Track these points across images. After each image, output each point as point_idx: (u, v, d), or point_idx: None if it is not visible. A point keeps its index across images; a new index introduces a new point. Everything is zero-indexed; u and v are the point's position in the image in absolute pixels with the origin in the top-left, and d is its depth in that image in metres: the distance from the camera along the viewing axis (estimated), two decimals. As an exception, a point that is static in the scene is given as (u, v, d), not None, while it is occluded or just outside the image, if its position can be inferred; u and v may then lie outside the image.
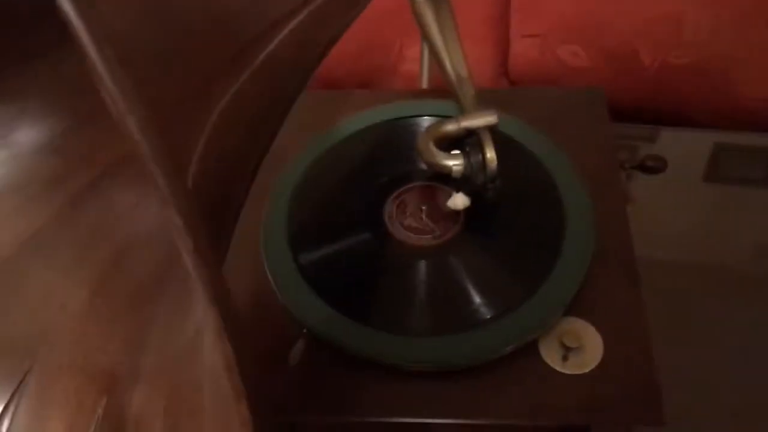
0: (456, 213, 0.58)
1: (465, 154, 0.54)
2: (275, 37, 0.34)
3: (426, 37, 0.60)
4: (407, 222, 0.58)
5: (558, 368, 0.50)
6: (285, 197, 0.60)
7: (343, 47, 1.06)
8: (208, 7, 0.27)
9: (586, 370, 0.50)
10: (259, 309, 0.55)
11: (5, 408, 0.35)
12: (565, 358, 0.51)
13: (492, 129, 0.58)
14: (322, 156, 0.63)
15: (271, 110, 0.34)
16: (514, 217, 0.58)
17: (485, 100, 0.65)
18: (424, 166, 0.59)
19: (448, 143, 0.57)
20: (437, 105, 0.65)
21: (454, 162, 0.55)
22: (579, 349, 0.51)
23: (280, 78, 0.35)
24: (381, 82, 1.08)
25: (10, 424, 0.34)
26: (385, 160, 0.63)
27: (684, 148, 0.84)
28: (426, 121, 0.65)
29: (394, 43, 1.06)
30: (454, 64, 0.60)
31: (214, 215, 0.28)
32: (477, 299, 0.53)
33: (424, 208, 0.58)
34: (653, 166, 0.69)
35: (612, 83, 1.00)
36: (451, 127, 0.58)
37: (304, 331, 0.52)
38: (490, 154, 0.53)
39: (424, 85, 0.81)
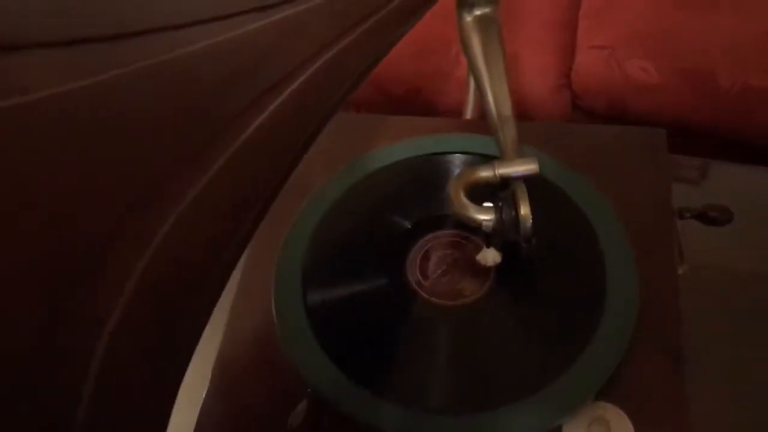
0: (486, 269, 0.52)
1: (497, 209, 0.49)
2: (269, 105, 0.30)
3: (470, 66, 0.55)
4: (431, 276, 0.53)
5: (582, 461, 0.45)
6: (304, 235, 0.56)
7: (396, 48, 1.01)
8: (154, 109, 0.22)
9: (613, 467, 0.44)
10: (263, 358, 0.51)
11: None
12: (590, 450, 0.45)
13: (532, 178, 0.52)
14: (346, 193, 0.58)
15: (250, 200, 0.29)
16: (549, 281, 0.52)
17: (535, 134, 0.60)
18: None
19: (482, 191, 0.51)
20: (479, 141, 0.59)
21: (484, 216, 0.49)
22: (607, 441, 0.45)
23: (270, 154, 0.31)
24: (433, 87, 1.02)
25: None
26: (414, 201, 0.57)
27: (759, 190, 0.75)
28: (462, 159, 0.59)
29: (451, 46, 1.00)
30: (497, 101, 0.55)
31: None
32: (499, 376, 0.48)
33: (450, 260, 0.53)
34: (716, 218, 0.62)
35: (682, 105, 0.92)
36: (485, 173, 0.52)
37: (309, 390, 0.49)
38: (525, 210, 0.47)
39: (468, 115, 0.75)
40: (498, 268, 0.52)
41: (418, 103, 1.05)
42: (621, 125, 0.61)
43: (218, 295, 0.29)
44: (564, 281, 0.52)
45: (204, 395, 0.50)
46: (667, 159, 0.58)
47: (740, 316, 0.63)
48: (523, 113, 1.00)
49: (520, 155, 0.53)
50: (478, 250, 0.53)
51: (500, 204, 0.49)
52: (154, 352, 0.24)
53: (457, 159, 0.59)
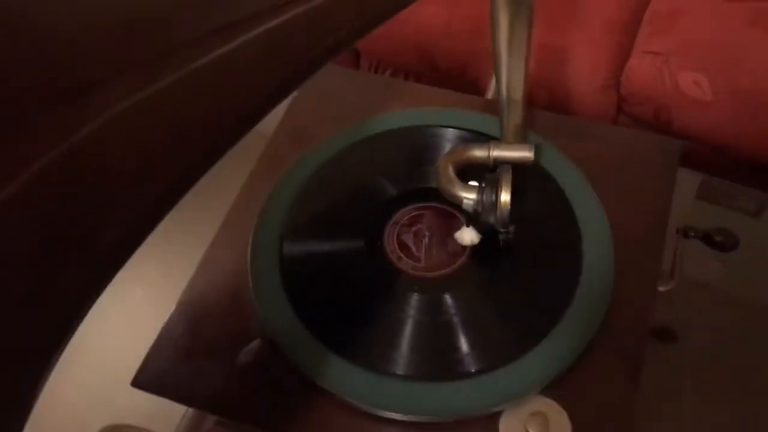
0: (463, 247, 0.52)
1: (480, 190, 0.48)
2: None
3: (492, 42, 0.54)
4: (407, 245, 0.53)
5: (512, 451, 0.45)
6: (292, 186, 0.56)
7: (451, 23, 1.00)
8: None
9: (538, 466, 0.44)
10: (230, 294, 0.52)
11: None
12: (523, 443, 0.45)
13: (526, 166, 0.52)
14: (342, 152, 0.58)
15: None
16: (522, 270, 0.52)
17: (551, 125, 0.59)
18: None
19: (478, 171, 0.51)
20: (490, 122, 0.59)
21: (466, 194, 0.49)
22: (542, 438, 0.45)
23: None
24: (480, 67, 1.01)
25: None
26: (407, 170, 0.57)
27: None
28: (465, 136, 0.58)
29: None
30: (510, 83, 0.54)
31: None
32: (452, 351, 0.48)
33: (430, 233, 0.53)
34: (721, 242, 0.60)
35: (732, 126, 0.89)
36: (480, 153, 0.52)
37: (265, 335, 0.50)
38: (505, 197, 0.47)
39: (490, 95, 0.74)
40: (474, 248, 0.52)
41: (463, 80, 1.04)
42: (639, 130, 0.59)
43: (124, 249, 0.29)
44: (536, 273, 0.51)
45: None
46: (674, 170, 0.56)
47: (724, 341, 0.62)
48: (565, 108, 0.98)
49: (520, 141, 0.52)
50: (460, 227, 0.52)
51: (483, 185, 0.48)
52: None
53: (461, 135, 0.58)
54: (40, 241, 0.24)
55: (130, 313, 0.67)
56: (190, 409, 0.58)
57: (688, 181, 0.74)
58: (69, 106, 0.24)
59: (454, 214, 0.54)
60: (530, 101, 1.01)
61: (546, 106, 0.98)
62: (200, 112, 0.31)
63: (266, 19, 0.32)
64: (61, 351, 0.28)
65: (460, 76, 1.04)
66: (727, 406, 0.60)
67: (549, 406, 0.46)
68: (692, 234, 0.60)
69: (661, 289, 0.54)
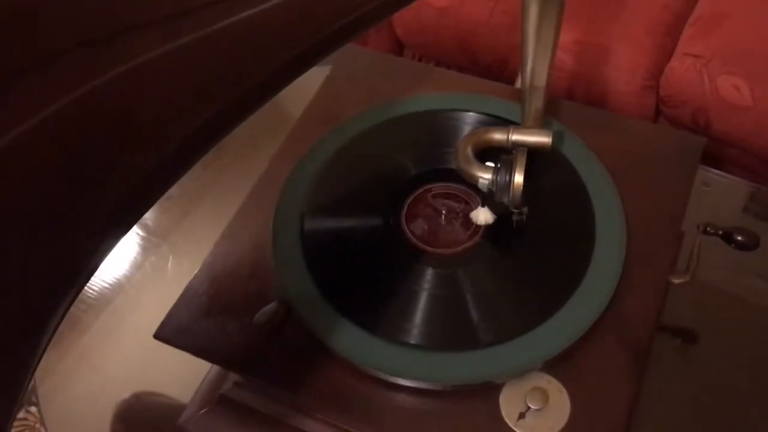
0: (477, 226, 0.54)
1: (495, 170, 0.50)
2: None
3: (522, 30, 0.55)
4: (423, 221, 0.55)
5: (510, 424, 0.46)
6: (317, 162, 0.58)
7: (493, 17, 1.01)
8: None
9: (535, 440, 0.45)
10: (252, 259, 0.55)
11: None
12: (521, 416, 0.46)
13: (545, 152, 0.53)
14: (367, 131, 0.60)
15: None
16: (534, 251, 0.53)
17: (578, 116, 0.60)
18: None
19: (494, 153, 0.52)
20: (509, 107, 0.60)
21: (482, 174, 0.50)
22: (540, 413, 0.46)
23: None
24: (517, 61, 1.01)
25: None
26: (429, 151, 0.59)
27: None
28: (488, 120, 0.60)
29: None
30: (534, 71, 0.55)
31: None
32: (460, 324, 0.49)
33: (446, 211, 0.55)
34: (742, 242, 0.60)
35: (769, 132, 0.88)
36: (499, 136, 0.53)
37: (283, 299, 0.52)
38: (519, 178, 0.48)
39: (519, 84, 0.75)
40: (489, 228, 0.53)
41: (504, 74, 1.05)
42: (663, 126, 0.60)
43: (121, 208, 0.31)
44: (547, 255, 0.52)
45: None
46: (695, 167, 0.57)
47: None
48: (603, 107, 0.98)
49: (539, 126, 0.54)
50: (476, 208, 0.54)
51: (499, 166, 0.50)
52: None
53: (483, 119, 0.60)
54: (60, 171, 0.26)
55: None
56: (211, 372, 0.61)
57: (736, 189, 0.74)
58: (98, 48, 0.27)
59: (471, 194, 0.56)
60: (568, 99, 1.02)
61: (584, 103, 0.98)
62: (223, 70, 0.33)
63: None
64: (69, 299, 0.30)
65: (501, 70, 1.05)
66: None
67: (550, 383, 0.47)
68: (712, 231, 0.60)
69: (675, 281, 0.55)
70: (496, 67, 1.05)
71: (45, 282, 0.29)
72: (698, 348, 0.67)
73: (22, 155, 0.25)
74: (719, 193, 0.74)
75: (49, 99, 0.25)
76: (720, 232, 0.60)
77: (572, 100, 1.00)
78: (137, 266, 0.76)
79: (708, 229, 0.61)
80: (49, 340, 0.31)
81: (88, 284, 0.72)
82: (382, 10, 0.41)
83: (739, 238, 0.60)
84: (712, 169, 0.74)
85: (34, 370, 0.29)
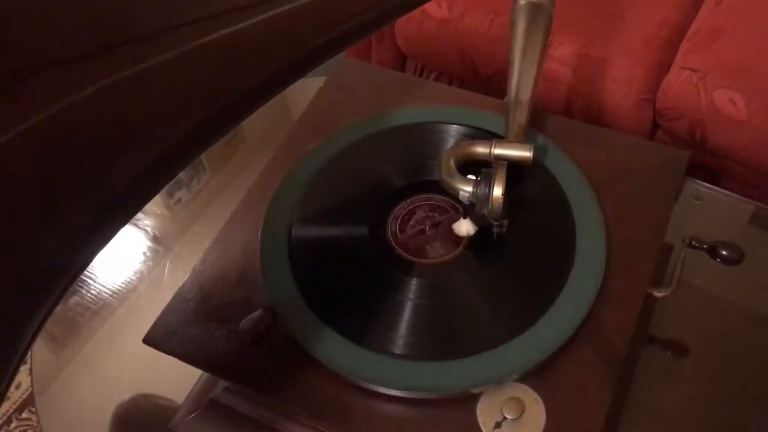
0: (460, 238, 0.55)
1: (475, 183, 0.51)
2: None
3: (510, 46, 0.57)
4: (408, 232, 0.56)
5: (485, 432, 0.47)
6: (308, 172, 0.60)
7: (492, 29, 1.02)
8: None
9: (509, 450, 0.46)
10: (240, 266, 0.56)
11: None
12: (497, 425, 0.47)
13: (527, 165, 0.54)
14: (357, 142, 0.61)
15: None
16: (514, 262, 0.54)
17: (557, 128, 0.61)
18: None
19: (478, 166, 0.54)
20: (494, 120, 0.61)
21: (463, 186, 0.52)
22: (516, 422, 0.47)
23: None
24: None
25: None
26: (415, 163, 0.60)
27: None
28: (474, 134, 0.61)
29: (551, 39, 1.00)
30: (519, 85, 0.56)
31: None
32: (439, 333, 0.50)
33: (430, 223, 0.56)
34: (726, 256, 0.61)
35: (766, 145, 0.88)
36: (482, 149, 0.54)
37: (268, 307, 0.53)
38: (498, 191, 0.49)
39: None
40: (471, 239, 0.54)
41: (504, 86, 1.05)
42: (648, 140, 0.61)
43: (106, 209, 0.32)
44: (527, 267, 0.53)
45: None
46: (678, 181, 0.57)
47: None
48: (600, 120, 0.99)
49: (521, 141, 0.55)
50: (458, 219, 0.55)
51: (479, 179, 0.51)
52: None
53: (468, 132, 0.61)
54: (43, 173, 0.28)
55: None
56: (202, 376, 0.63)
57: (727, 203, 0.74)
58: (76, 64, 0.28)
59: (454, 206, 0.57)
60: (565, 111, 1.02)
61: (581, 116, 0.99)
62: (208, 82, 0.35)
63: (277, 5, 0.35)
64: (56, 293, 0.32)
65: (502, 82, 1.06)
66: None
67: (526, 394, 0.48)
68: (697, 245, 0.61)
69: (657, 294, 0.55)
70: (497, 79, 1.06)
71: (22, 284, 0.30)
72: (689, 361, 0.67)
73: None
74: (710, 206, 0.74)
75: (20, 117, 0.26)
76: (705, 246, 0.61)
77: (569, 111, 1.01)
78: (141, 275, 0.77)
79: (693, 243, 0.62)
80: (31, 341, 0.32)
81: (92, 292, 0.73)
82: (363, 28, 0.42)
83: (724, 252, 0.61)
84: (704, 183, 0.75)
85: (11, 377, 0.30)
